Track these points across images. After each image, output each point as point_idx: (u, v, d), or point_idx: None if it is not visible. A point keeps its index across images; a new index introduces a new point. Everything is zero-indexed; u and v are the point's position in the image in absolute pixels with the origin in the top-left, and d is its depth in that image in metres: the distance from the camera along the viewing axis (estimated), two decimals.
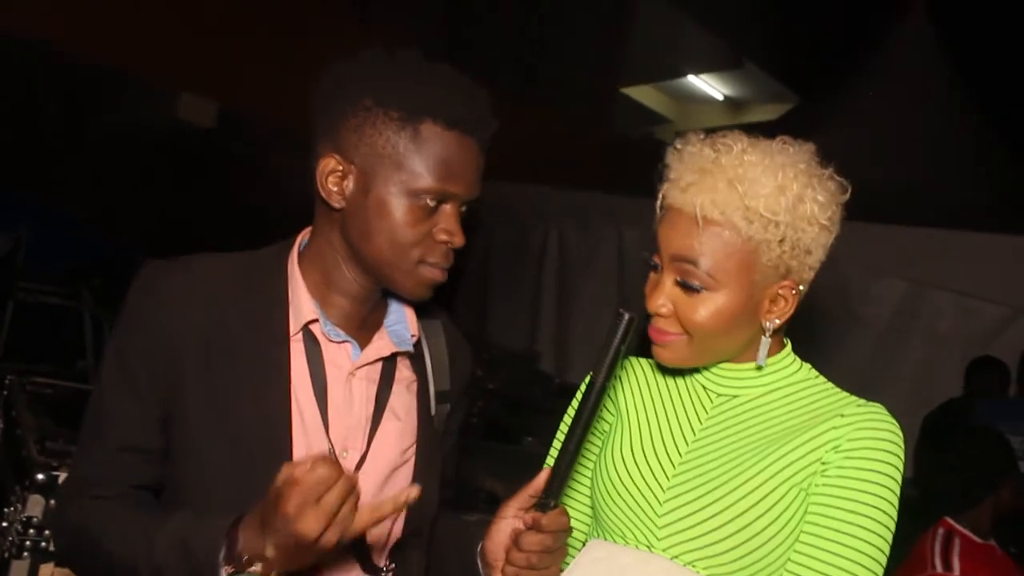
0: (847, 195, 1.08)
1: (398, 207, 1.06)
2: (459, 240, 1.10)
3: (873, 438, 1.03)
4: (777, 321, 1.09)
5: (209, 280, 1.11)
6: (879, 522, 1.00)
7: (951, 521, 2.50)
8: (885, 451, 1.02)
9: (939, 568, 2.41)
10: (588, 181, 6.72)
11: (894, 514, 1.01)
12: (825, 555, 1.01)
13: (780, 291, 1.08)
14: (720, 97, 12.91)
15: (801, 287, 1.09)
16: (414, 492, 0.93)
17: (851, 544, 1.00)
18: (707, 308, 1.05)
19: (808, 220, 1.04)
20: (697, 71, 12.06)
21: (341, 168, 1.08)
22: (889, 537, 1.01)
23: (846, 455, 1.03)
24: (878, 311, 4.75)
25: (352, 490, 0.89)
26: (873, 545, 1.00)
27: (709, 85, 12.56)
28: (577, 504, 1.25)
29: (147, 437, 1.09)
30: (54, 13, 6.05)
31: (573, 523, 1.15)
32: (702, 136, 1.09)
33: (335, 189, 1.09)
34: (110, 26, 6.32)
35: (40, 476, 1.78)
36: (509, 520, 1.07)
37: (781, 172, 1.03)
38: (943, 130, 5.93)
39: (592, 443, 1.24)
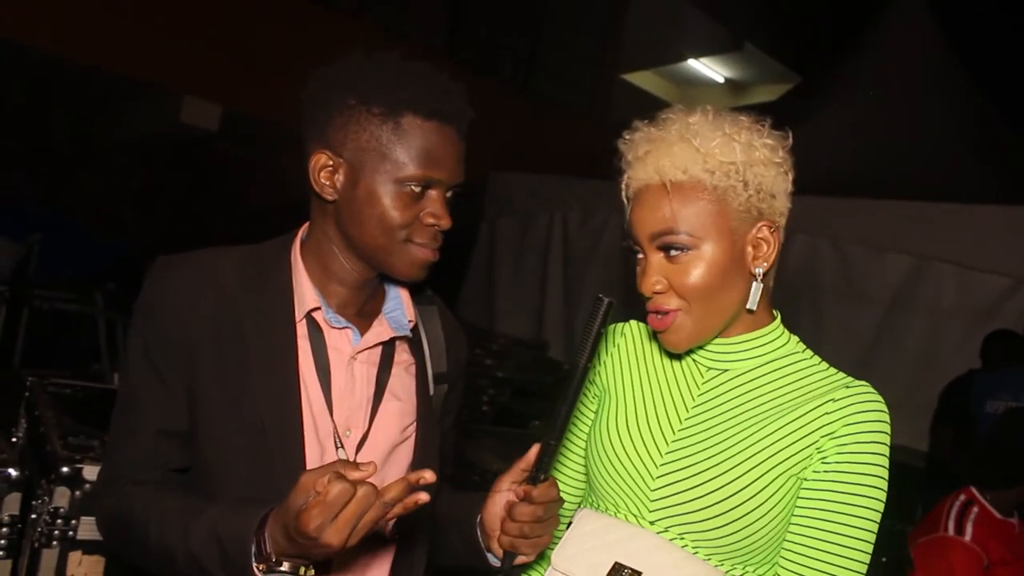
0: (790, 141, 1.12)
1: (386, 195, 1.14)
2: (446, 222, 1.18)
3: (867, 421, 1.06)
4: (765, 265, 1.10)
5: (217, 272, 1.19)
6: (872, 509, 1.05)
7: (974, 491, 2.53)
8: (878, 432, 1.06)
9: (951, 531, 2.46)
10: (590, 169, 6.75)
11: (884, 498, 1.06)
12: (819, 543, 1.05)
13: (759, 235, 1.09)
14: (721, 80, 12.91)
15: (780, 228, 1.11)
16: (428, 475, 0.97)
17: (845, 531, 1.05)
18: (696, 267, 1.07)
19: (763, 162, 1.08)
20: (697, 55, 12.06)
21: (331, 163, 1.15)
22: (878, 520, 1.06)
23: (841, 444, 1.06)
24: (880, 286, 4.76)
25: (371, 501, 0.92)
26: (866, 530, 1.05)
27: (710, 68, 12.56)
28: (567, 476, 1.31)
29: (179, 421, 1.16)
30: (60, 24, 6.14)
31: (564, 494, 1.21)
32: (645, 121, 1.15)
33: (327, 183, 1.16)
34: (114, 34, 6.40)
35: (65, 469, 1.87)
36: (503, 493, 1.15)
37: (726, 124, 1.09)
38: (941, 105, 5.95)
39: (578, 419, 1.31)
